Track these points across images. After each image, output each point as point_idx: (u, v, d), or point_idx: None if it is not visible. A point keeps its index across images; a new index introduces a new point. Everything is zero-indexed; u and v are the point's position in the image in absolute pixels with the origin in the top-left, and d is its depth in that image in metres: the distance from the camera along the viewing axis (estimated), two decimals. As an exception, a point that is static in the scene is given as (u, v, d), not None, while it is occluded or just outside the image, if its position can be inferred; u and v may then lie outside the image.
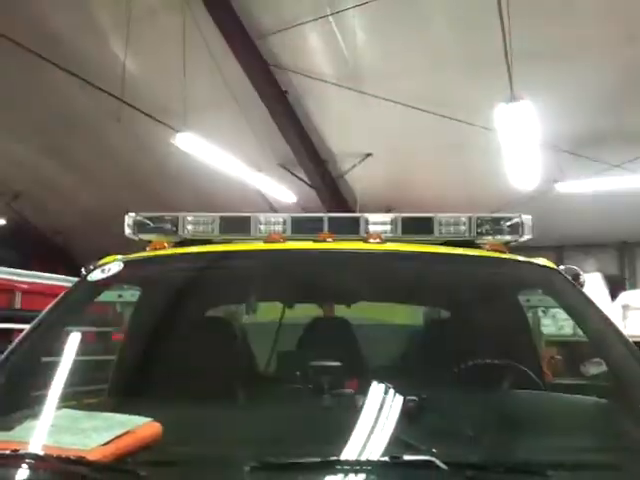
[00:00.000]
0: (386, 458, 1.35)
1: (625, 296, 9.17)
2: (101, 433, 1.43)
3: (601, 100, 9.00)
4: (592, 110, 9.21)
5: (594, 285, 8.20)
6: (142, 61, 9.42)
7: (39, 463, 1.37)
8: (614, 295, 9.25)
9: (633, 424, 1.67)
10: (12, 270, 7.05)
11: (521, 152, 7.91)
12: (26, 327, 2.09)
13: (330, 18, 8.37)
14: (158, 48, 8.97)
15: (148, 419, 1.52)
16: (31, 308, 5.79)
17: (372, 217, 2.44)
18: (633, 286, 12.57)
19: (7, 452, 1.38)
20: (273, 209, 10.85)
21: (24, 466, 1.37)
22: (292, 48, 9.17)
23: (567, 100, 8.97)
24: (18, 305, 6.91)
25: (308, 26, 8.49)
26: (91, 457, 1.34)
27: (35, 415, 1.59)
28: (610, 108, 9.13)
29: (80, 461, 1.32)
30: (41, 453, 1.39)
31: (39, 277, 7.25)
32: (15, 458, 1.37)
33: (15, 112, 10.25)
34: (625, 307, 8.52)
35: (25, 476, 1.36)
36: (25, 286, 7.05)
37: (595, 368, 2.24)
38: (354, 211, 11.03)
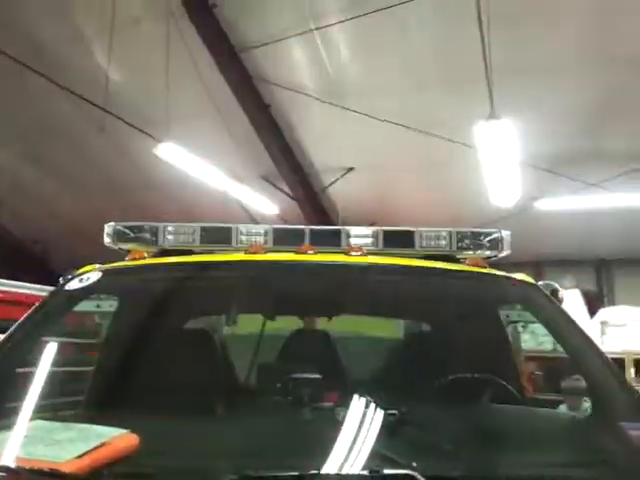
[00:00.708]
0: (366, 472, 1.34)
1: (603, 313, 9.28)
2: (76, 445, 1.41)
3: (580, 119, 9.14)
4: (571, 129, 9.35)
5: (572, 301, 8.28)
6: (125, 71, 9.39)
7: (12, 476, 1.34)
8: (592, 311, 9.35)
9: (610, 439, 1.68)
10: (-12, 279, 6.93)
11: (501, 170, 7.99)
12: (1, 337, 2.05)
13: (315, 33, 8.42)
14: (141, 58, 8.94)
15: (124, 431, 1.50)
16: (7, 317, 5.69)
17: (353, 230, 2.44)
18: (611, 303, 12.71)
19: (-21, 464, 1.35)
20: (254, 221, 10.83)
21: (-4, 479, 1.34)
22: (276, 62, 9.20)
23: (546, 119, 9.09)
24: (-7, 315, 6.79)
25: (292, 40, 8.54)
26: (66, 469, 1.31)
27: (9, 426, 1.55)
28: (589, 127, 9.28)
29: (55, 473, 1.30)
30: (14, 465, 1.36)
31: (16, 286, 7.13)
32: (-13, 470, 1.34)
33: (-4, 120, 10.15)
34: (603, 323, 8.63)
35: (-3, 489, 1.34)
36: (0, 295, 6.94)
37: (574, 384, 2.25)
38: (336, 224, 11.05)
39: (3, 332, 2.08)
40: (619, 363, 6.76)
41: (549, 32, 7.91)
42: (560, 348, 2.21)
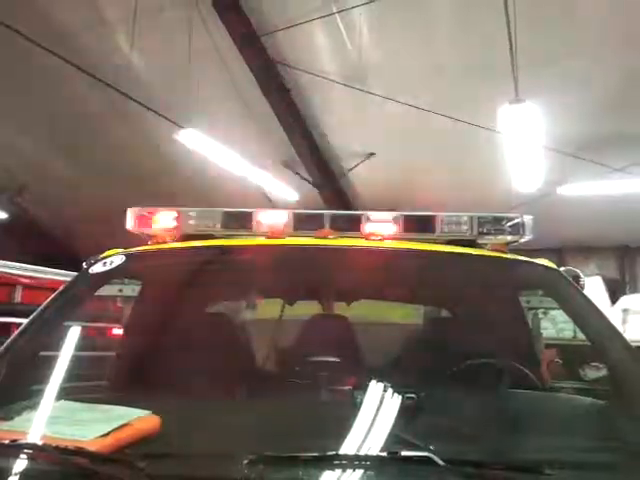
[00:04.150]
0: (384, 453, 1.35)
1: (625, 300, 9.16)
2: (100, 425, 1.44)
3: (605, 103, 8.99)
4: (596, 113, 9.21)
5: (594, 288, 8.19)
6: (148, 56, 9.41)
7: (38, 453, 1.37)
8: (614, 299, 9.24)
9: (632, 426, 1.67)
10: (13, 264, 7.05)
11: (524, 154, 7.90)
12: (26, 321, 2.09)
13: (336, 16, 8.36)
14: (164, 43, 8.96)
15: (147, 412, 1.53)
16: (32, 302, 5.79)
17: (374, 215, 2.44)
18: (633, 290, 12.56)
19: (6, 442, 1.39)
20: (274, 207, 10.85)
21: (23, 456, 1.37)
22: (297, 45, 9.16)
23: (571, 103, 8.96)
24: (18, 299, 6.92)
25: (314, 24, 8.48)
26: (90, 448, 1.34)
27: (34, 406, 1.59)
28: (614, 111, 9.12)
29: (79, 451, 1.33)
30: (40, 443, 1.40)
31: (40, 272, 7.25)
32: (14, 448, 1.38)
33: (21, 106, 10.25)
34: (625, 311, 8.51)
35: (24, 466, 1.37)
36: (26, 280, 7.06)
37: (594, 372, 2.23)
38: (356, 209, 11.03)
39: (28, 316, 2.11)
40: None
41: (574, 14, 7.77)
42: (580, 335, 2.20)
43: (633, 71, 8.33)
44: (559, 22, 7.85)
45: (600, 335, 2.04)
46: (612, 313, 8.09)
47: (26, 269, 7.16)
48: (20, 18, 7.40)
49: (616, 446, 1.57)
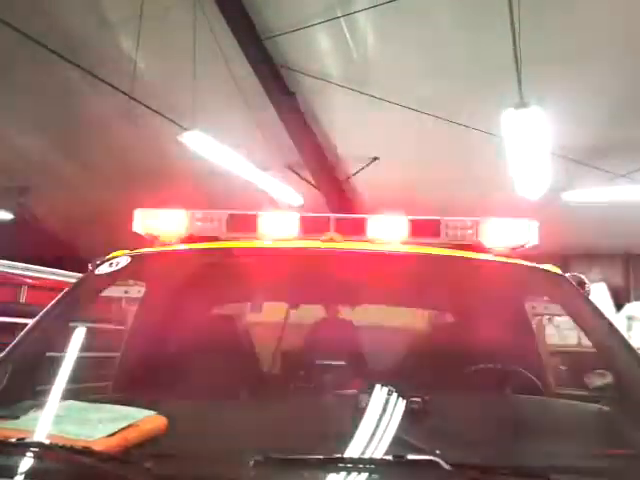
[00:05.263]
0: (389, 457, 1.35)
1: (630, 307, 9.14)
2: (106, 425, 1.44)
3: (611, 109, 8.96)
4: (601, 119, 9.18)
5: (599, 295, 8.17)
6: (153, 58, 9.43)
7: (44, 452, 1.38)
8: (619, 306, 9.22)
9: (637, 432, 1.66)
10: (18, 264, 7.06)
11: (529, 159, 7.88)
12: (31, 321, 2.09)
13: (341, 20, 8.37)
14: (169, 46, 8.98)
15: (153, 412, 1.53)
16: (36, 303, 5.79)
17: (378, 219, 2.44)
18: (638, 297, 12.51)
19: (13, 440, 1.39)
20: (280, 210, 10.82)
21: (30, 454, 1.37)
22: (302, 49, 9.17)
23: (576, 108, 8.94)
24: (23, 300, 6.93)
25: (318, 28, 8.49)
26: (96, 447, 1.34)
27: (41, 406, 1.60)
28: (619, 117, 9.10)
29: (85, 451, 1.33)
30: (47, 442, 1.40)
31: (44, 272, 7.26)
32: (21, 446, 1.38)
33: (25, 107, 10.28)
34: (630, 318, 8.50)
35: (31, 464, 1.37)
36: (30, 281, 7.07)
37: (600, 379, 2.22)
38: (361, 213, 10.99)
39: (33, 317, 2.11)
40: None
41: (581, 17, 7.75)
42: (586, 343, 2.19)
43: (640, 75, 8.31)
44: (566, 25, 7.81)
45: (606, 341, 2.03)
46: (617, 320, 8.07)
47: (31, 269, 7.18)
48: (24, 19, 7.43)
49: (622, 452, 1.57)
